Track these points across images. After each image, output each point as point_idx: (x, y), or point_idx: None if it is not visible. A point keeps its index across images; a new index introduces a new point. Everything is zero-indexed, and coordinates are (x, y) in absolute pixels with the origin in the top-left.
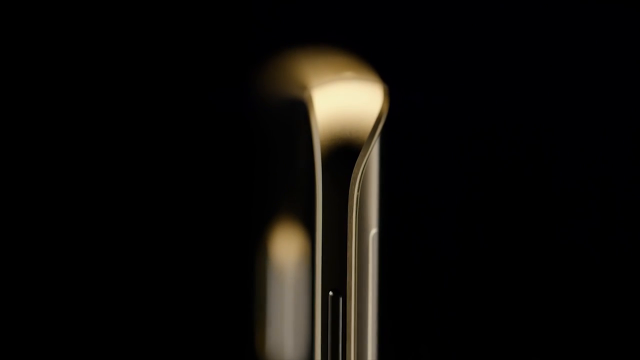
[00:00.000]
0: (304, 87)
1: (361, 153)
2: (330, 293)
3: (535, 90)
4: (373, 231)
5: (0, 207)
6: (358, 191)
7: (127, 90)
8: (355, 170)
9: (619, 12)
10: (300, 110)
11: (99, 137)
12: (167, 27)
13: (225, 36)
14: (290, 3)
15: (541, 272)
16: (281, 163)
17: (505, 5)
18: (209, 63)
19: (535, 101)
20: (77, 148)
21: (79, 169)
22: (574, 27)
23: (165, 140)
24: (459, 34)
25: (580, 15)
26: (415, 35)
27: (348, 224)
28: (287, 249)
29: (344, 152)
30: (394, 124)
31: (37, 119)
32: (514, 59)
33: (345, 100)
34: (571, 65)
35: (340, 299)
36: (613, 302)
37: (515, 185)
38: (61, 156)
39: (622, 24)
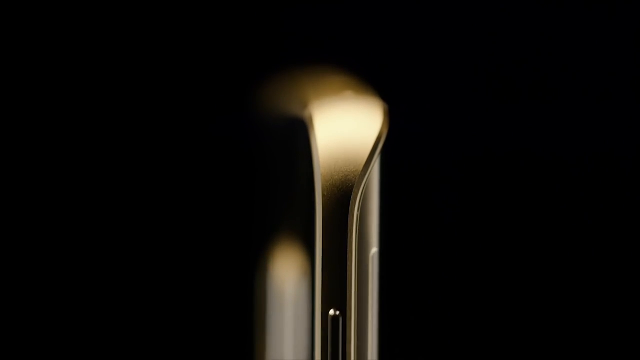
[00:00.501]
0: (304, 107)
1: (361, 172)
2: (335, 312)
3: (535, 113)
4: (373, 250)
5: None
6: (358, 210)
7: (126, 107)
8: (355, 189)
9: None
10: (301, 130)
11: (101, 162)
12: (167, 46)
13: (225, 55)
14: (292, 23)
15: (542, 296)
16: (281, 181)
17: (507, 26)
18: (209, 82)
19: (537, 123)
20: (78, 177)
21: (79, 198)
22: (572, 56)
23: (166, 159)
24: (460, 53)
25: (577, 44)
26: (416, 55)
27: (348, 243)
28: (287, 268)
29: (345, 171)
30: (395, 144)
31: (41, 152)
32: (517, 80)
33: (345, 119)
34: (571, 92)
35: (340, 319)
36: (616, 305)
37: (516, 204)
38: (64, 179)
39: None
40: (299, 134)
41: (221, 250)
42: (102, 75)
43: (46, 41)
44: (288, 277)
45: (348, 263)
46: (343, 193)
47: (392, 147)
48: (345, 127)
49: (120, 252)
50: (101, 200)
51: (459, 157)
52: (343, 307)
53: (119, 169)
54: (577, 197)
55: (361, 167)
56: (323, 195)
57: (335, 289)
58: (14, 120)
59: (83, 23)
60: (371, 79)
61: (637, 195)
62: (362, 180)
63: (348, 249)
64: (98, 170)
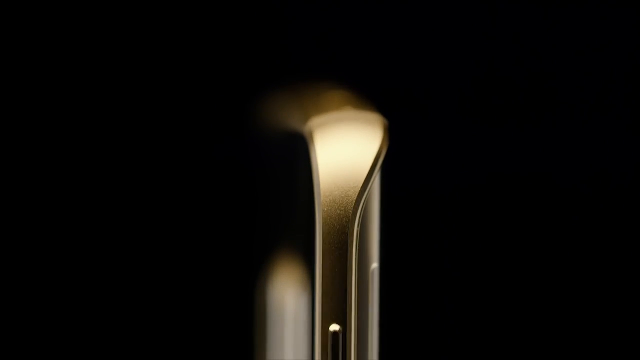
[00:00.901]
0: (305, 123)
1: (361, 188)
2: (335, 328)
3: (535, 132)
4: (374, 266)
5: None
6: (358, 226)
7: (127, 126)
8: (355, 205)
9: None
10: (301, 145)
11: (101, 183)
12: (169, 61)
13: (225, 72)
14: (292, 38)
15: (541, 310)
16: (281, 197)
17: (507, 42)
18: (209, 98)
19: (539, 145)
20: (78, 200)
21: (81, 224)
22: (575, 83)
23: (168, 175)
24: (460, 68)
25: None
26: (417, 71)
27: (348, 259)
28: (287, 283)
29: (345, 187)
30: (395, 160)
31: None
32: (517, 97)
33: (345, 135)
34: (574, 119)
35: (341, 334)
36: (619, 309)
37: (516, 222)
38: (72, 211)
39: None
40: (299, 150)
41: (222, 266)
42: (104, 96)
43: (56, 80)
44: (288, 292)
45: (348, 278)
46: (343, 209)
47: (392, 163)
48: (346, 143)
49: (122, 269)
50: (104, 215)
51: (459, 174)
52: (343, 322)
53: (120, 181)
54: (576, 221)
55: (361, 182)
56: (323, 211)
57: (335, 305)
58: (25, 137)
59: (89, 45)
60: (371, 94)
61: (631, 223)
62: (362, 196)
63: (348, 264)
64: (101, 187)
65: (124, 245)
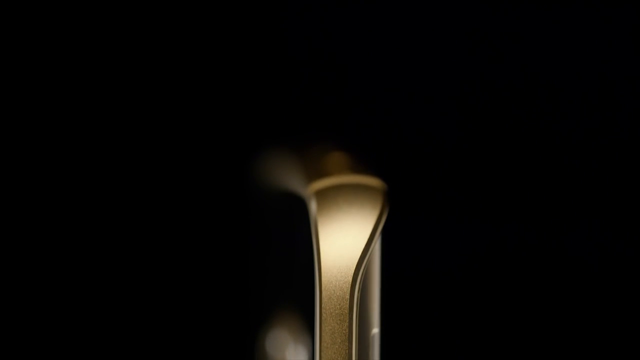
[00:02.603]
0: (305, 185)
1: (361, 254)
2: None
3: (539, 209)
4: (374, 330)
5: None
6: (358, 292)
7: (128, 194)
8: (355, 271)
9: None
10: (301, 208)
11: (102, 251)
12: (170, 124)
13: (228, 130)
14: (295, 102)
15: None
16: (281, 261)
17: (507, 108)
18: (212, 155)
19: (539, 219)
20: (84, 241)
21: (84, 264)
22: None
23: (168, 236)
24: (457, 134)
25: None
26: (415, 135)
27: (348, 324)
28: (286, 349)
29: (345, 252)
30: (394, 224)
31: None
32: (518, 164)
33: (346, 200)
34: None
35: None
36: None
37: (511, 293)
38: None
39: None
40: (299, 213)
41: (220, 331)
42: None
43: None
44: (288, 357)
45: (349, 343)
46: (343, 275)
47: (392, 228)
48: (346, 207)
49: (122, 323)
50: (103, 280)
51: (458, 242)
52: None
53: (122, 250)
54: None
55: (361, 248)
56: (323, 277)
57: None
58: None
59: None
60: (372, 159)
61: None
62: (362, 262)
63: (348, 330)
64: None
65: (123, 320)
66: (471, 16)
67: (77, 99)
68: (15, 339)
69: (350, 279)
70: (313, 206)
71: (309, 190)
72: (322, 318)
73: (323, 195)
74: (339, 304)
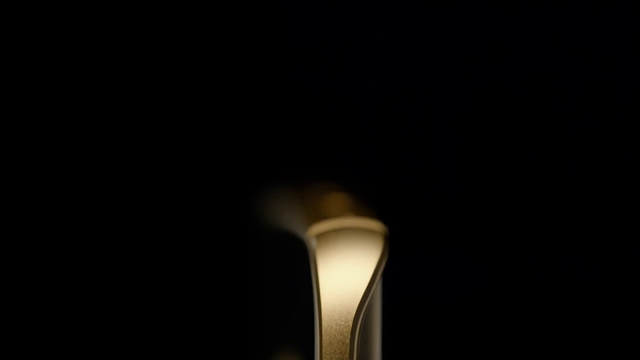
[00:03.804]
0: (305, 228)
1: (362, 299)
2: None
3: (538, 244)
4: None
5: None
6: (359, 337)
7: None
8: (356, 316)
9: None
10: (301, 250)
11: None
12: (170, 165)
13: (228, 170)
14: (296, 141)
15: None
16: (280, 304)
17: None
18: (213, 195)
19: (538, 253)
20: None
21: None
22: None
23: (167, 278)
24: (457, 174)
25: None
26: (416, 177)
27: None
28: None
29: (345, 296)
30: (395, 266)
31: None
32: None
33: (346, 241)
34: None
35: None
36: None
37: (513, 328)
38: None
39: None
40: (300, 256)
41: None
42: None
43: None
44: None
45: None
46: (344, 319)
47: (393, 270)
48: (346, 250)
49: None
50: (103, 317)
51: (460, 284)
52: None
53: (123, 286)
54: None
55: (361, 293)
56: (324, 321)
57: None
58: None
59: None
60: (372, 201)
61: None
62: (363, 307)
63: None
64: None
65: (128, 350)
66: (469, 57)
67: (75, 106)
68: (15, 339)
69: (350, 323)
70: (313, 249)
71: (309, 233)
72: None
73: (323, 238)
74: (339, 349)
